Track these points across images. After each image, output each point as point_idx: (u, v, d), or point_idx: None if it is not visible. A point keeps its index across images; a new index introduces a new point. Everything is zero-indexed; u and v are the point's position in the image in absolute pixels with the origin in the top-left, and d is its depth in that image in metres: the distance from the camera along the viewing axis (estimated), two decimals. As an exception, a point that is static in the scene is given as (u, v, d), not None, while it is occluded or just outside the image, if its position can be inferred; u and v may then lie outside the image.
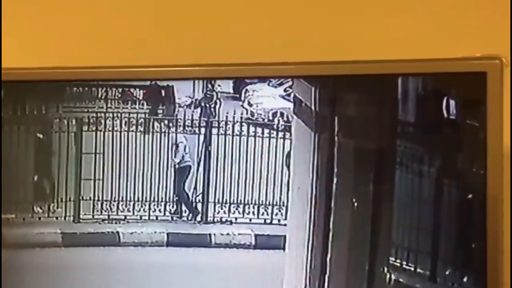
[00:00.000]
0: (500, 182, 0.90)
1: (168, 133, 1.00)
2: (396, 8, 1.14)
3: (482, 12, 1.11)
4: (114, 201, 1.02)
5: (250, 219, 1.01)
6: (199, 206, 1.01)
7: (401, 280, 0.95)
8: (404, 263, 0.95)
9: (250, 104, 0.99)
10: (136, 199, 1.02)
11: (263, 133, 1.00)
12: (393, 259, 0.95)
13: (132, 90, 1.01)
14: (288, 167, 0.98)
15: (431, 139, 0.94)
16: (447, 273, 0.93)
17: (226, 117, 0.99)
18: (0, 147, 1.01)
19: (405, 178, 0.94)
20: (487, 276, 0.91)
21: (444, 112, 0.92)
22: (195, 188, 1.01)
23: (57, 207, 1.02)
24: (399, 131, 0.94)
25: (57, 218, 1.02)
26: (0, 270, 1.02)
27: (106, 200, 1.02)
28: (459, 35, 1.10)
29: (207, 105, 0.99)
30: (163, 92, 1.00)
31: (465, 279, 0.93)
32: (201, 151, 1.00)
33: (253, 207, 1.01)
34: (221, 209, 1.01)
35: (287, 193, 0.99)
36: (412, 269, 0.95)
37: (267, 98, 0.98)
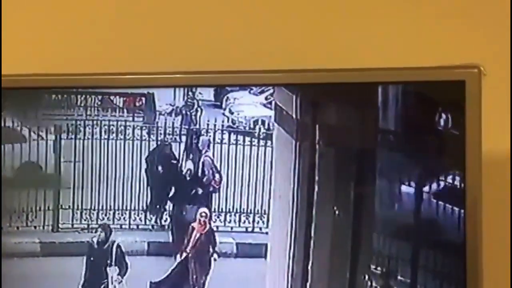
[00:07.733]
0: (478, 189, 0.91)
1: (149, 141, 0.99)
2: (376, 17, 1.15)
3: (461, 21, 1.13)
4: (94, 210, 1.01)
5: (232, 228, 1.01)
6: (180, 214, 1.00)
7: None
8: (385, 270, 0.95)
9: (231, 112, 0.99)
10: (116, 207, 1.01)
11: (244, 141, 0.99)
12: (374, 266, 0.95)
13: (112, 97, 1.00)
14: (270, 175, 0.98)
15: (411, 146, 0.94)
16: (427, 280, 0.94)
17: (207, 125, 0.99)
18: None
19: (386, 185, 0.95)
20: (466, 283, 0.91)
21: (424, 119, 0.93)
22: (176, 196, 1.00)
23: (36, 216, 1.01)
24: (379, 139, 0.95)
25: (35, 227, 1.01)
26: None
27: (86, 209, 1.01)
28: (438, 44, 1.12)
29: (188, 113, 0.99)
30: (143, 99, 0.99)
31: (445, 286, 0.94)
32: (182, 159, 1.00)
33: (235, 216, 1.00)
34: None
35: (269, 201, 0.98)
36: (393, 276, 0.95)
37: (248, 106, 0.98)
